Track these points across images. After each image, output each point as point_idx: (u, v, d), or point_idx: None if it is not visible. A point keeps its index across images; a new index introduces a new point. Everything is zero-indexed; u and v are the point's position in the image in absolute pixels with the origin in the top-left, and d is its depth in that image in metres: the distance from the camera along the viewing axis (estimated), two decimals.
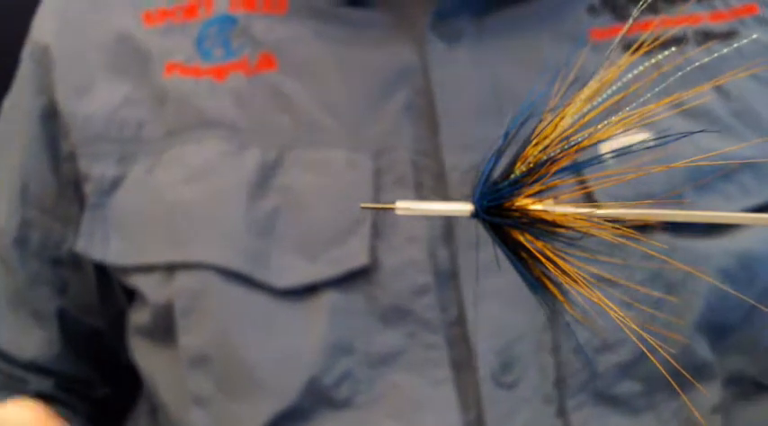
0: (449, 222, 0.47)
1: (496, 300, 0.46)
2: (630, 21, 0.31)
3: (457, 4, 0.49)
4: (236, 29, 0.52)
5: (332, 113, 0.49)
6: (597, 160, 0.27)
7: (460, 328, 0.46)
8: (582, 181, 0.32)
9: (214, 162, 0.49)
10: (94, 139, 0.52)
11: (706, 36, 0.50)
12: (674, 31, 0.49)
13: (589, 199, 0.44)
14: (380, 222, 0.47)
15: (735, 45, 0.49)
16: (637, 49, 0.27)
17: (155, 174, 0.50)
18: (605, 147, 0.28)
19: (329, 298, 0.47)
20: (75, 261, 0.54)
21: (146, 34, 0.53)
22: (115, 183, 0.51)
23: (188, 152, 0.50)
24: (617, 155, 0.27)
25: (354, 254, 0.47)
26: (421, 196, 0.48)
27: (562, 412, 0.45)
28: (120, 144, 0.51)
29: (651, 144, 0.26)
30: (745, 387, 0.48)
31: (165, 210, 0.49)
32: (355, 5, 0.51)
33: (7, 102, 0.58)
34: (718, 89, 0.49)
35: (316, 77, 0.50)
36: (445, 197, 0.48)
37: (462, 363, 0.46)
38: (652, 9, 0.50)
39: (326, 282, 0.46)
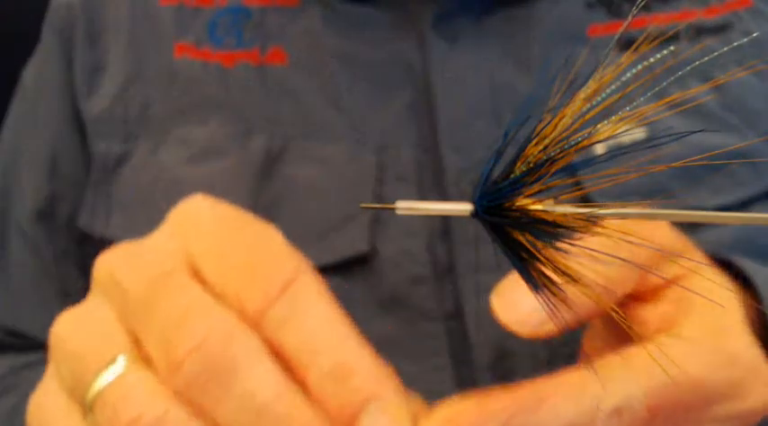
0: (447, 218, 0.48)
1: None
2: (629, 19, 0.31)
3: (458, 5, 0.49)
4: (251, 22, 0.52)
5: (337, 109, 0.50)
6: (595, 160, 0.27)
7: (457, 321, 0.47)
8: (578, 182, 0.32)
9: (219, 143, 0.49)
10: (100, 117, 0.52)
11: (699, 31, 0.50)
12: (667, 27, 0.49)
13: (585, 199, 0.44)
14: (381, 213, 0.47)
15: (734, 44, 0.49)
16: (637, 48, 0.27)
17: (159, 153, 0.51)
18: (600, 148, 0.28)
19: (329, 284, 0.47)
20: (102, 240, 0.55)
21: (159, 10, 0.53)
22: (120, 161, 0.52)
23: (193, 132, 0.50)
24: (613, 156, 0.27)
25: (354, 241, 0.47)
26: (422, 193, 0.48)
27: None
28: (126, 123, 0.52)
29: (650, 144, 0.26)
30: None
31: (169, 188, 0.50)
32: (359, 2, 0.51)
33: (29, 75, 0.58)
34: (711, 82, 0.49)
35: (323, 73, 0.51)
36: (443, 194, 0.48)
37: (459, 354, 0.47)
38: (645, 6, 0.50)
39: (326, 268, 0.46)
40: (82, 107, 0.54)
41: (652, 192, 0.45)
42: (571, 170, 0.27)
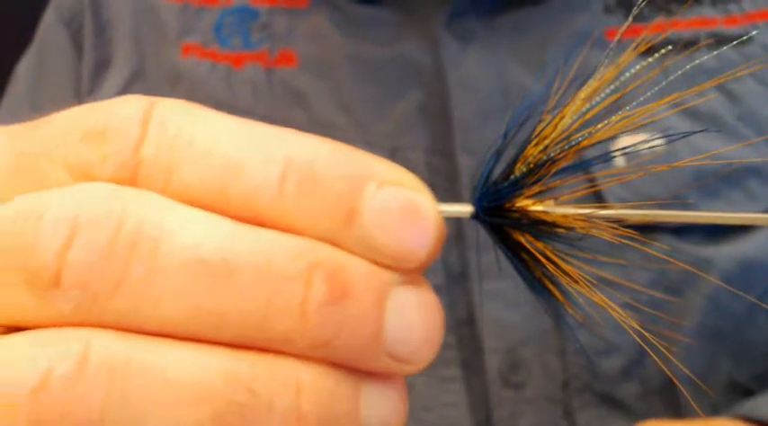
0: (459, 223, 0.47)
1: (503, 302, 0.46)
2: (629, 20, 0.31)
3: (470, 4, 0.49)
4: (258, 23, 0.52)
5: (346, 111, 0.49)
6: (598, 160, 0.27)
7: (470, 328, 0.46)
8: (586, 181, 0.32)
9: None
10: None
11: (719, 40, 0.49)
12: (686, 34, 0.49)
13: (596, 199, 0.44)
14: None
15: (753, 60, 0.48)
16: (639, 49, 0.27)
17: None
18: (611, 151, 0.28)
19: None
20: None
21: (162, 7, 0.53)
22: None
23: None
24: (618, 155, 0.26)
25: None
26: (434, 196, 0.48)
27: (569, 414, 0.45)
28: None
29: (652, 143, 0.26)
30: (736, 397, 0.48)
31: None
32: (368, 3, 0.51)
33: (28, 65, 0.57)
34: (725, 92, 0.48)
35: (332, 75, 0.50)
36: (458, 199, 0.48)
37: (471, 363, 0.46)
38: (666, 11, 0.50)
39: None
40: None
41: (671, 203, 0.45)
42: (576, 169, 0.26)
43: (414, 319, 0.21)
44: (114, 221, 0.19)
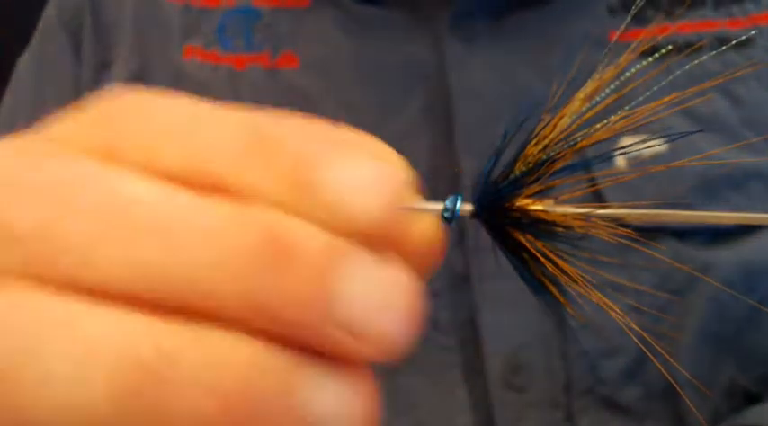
0: (461, 225, 0.47)
1: (505, 304, 0.46)
2: (627, 20, 0.31)
3: (474, 5, 0.49)
4: (261, 23, 0.52)
5: (350, 112, 0.49)
6: (598, 160, 0.27)
7: (472, 330, 0.46)
8: (586, 181, 0.32)
9: None
10: None
11: (722, 42, 0.49)
12: (688, 36, 0.49)
13: (596, 198, 0.44)
14: None
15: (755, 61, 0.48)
16: (640, 49, 0.27)
17: None
18: (613, 154, 0.28)
19: None
20: None
21: (165, 7, 0.53)
22: None
23: None
24: (617, 155, 0.27)
25: None
26: (437, 198, 0.48)
27: (570, 417, 0.45)
28: None
29: (651, 143, 0.26)
30: (737, 401, 0.47)
31: None
32: (372, 3, 0.50)
33: (28, 65, 0.57)
34: (730, 96, 0.48)
35: (335, 76, 0.50)
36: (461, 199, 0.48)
37: (473, 366, 0.46)
38: (668, 13, 0.50)
39: None
40: None
41: (671, 204, 0.45)
42: (576, 169, 0.26)
43: (372, 292, 0.20)
44: (65, 187, 0.19)
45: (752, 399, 0.47)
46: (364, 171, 0.21)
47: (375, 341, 0.20)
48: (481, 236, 0.47)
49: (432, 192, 0.48)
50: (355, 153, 0.21)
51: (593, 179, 0.35)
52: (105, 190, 0.19)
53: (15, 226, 0.19)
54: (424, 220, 0.24)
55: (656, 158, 0.36)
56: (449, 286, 0.47)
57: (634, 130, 0.26)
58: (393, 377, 0.46)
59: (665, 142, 0.25)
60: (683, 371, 0.32)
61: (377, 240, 0.20)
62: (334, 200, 0.20)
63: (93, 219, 0.19)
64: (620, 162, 0.30)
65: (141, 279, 0.19)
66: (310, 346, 0.19)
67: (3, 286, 0.19)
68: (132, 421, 0.18)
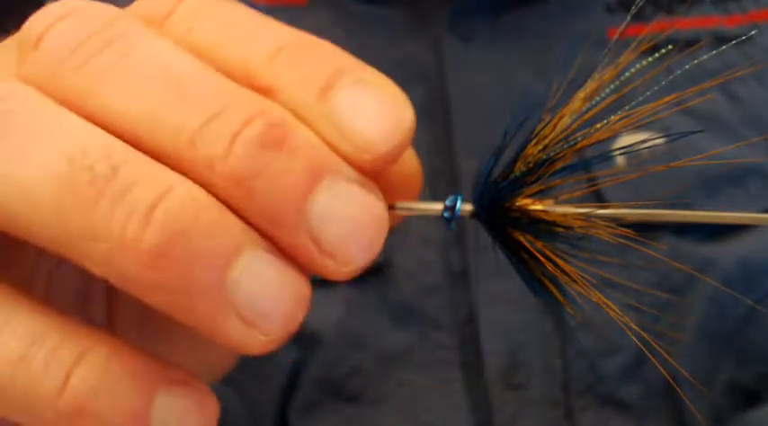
0: (460, 223, 0.47)
1: (504, 302, 0.46)
2: (627, 19, 0.31)
3: (474, 3, 0.49)
4: None
5: None
6: (598, 159, 0.27)
7: (470, 328, 0.46)
8: (586, 180, 0.32)
9: None
10: None
11: (719, 39, 0.49)
12: (687, 33, 0.49)
13: (596, 198, 0.44)
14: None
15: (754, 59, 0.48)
16: (640, 48, 0.27)
17: None
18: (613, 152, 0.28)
19: (344, 292, 0.47)
20: None
21: None
22: None
23: None
24: (617, 154, 0.26)
25: None
26: (436, 198, 0.48)
27: (570, 415, 0.45)
28: None
29: (651, 142, 0.26)
30: (737, 399, 0.47)
31: None
32: (370, 2, 0.50)
33: None
34: (729, 94, 0.48)
35: None
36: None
37: (471, 364, 0.46)
38: (667, 10, 0.50)
39: None
40: None
41: (671, 203, 0.45)
42: (576, 168, 0.26)
43: (347, 215, 0.21)
44: (103, 20, 0.22)
45: (751, 397, 0.47)
46: (377, 105, 0.23)
47: (338, 260, 0.21)
48: (481, 236, 0.47)
49: (431, 191, 0.48)
50: (375, 86, 0.23)
51: (593, 179, 0.35)
52: (143, 47, 0.21)
53: (45, 38, 0.22)
54: (407, 156, 0.26)
55: (655, 157, 0.37)
56: (448, 285, 0.47)
57: (634, 130, 0.26)
58: (391, 373, 0.46)
59: (667, 142, 0.25)
60: (682, 370, 0.32)
61: (368, 171, 0.22)
62: (344, 121, 0.21)
63: (121, 64, 0.21)
64: (621, 161, 0.29)
65: (146, 126, 0.20)
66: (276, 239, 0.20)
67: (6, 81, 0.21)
68: (64, 220, 0.20)
